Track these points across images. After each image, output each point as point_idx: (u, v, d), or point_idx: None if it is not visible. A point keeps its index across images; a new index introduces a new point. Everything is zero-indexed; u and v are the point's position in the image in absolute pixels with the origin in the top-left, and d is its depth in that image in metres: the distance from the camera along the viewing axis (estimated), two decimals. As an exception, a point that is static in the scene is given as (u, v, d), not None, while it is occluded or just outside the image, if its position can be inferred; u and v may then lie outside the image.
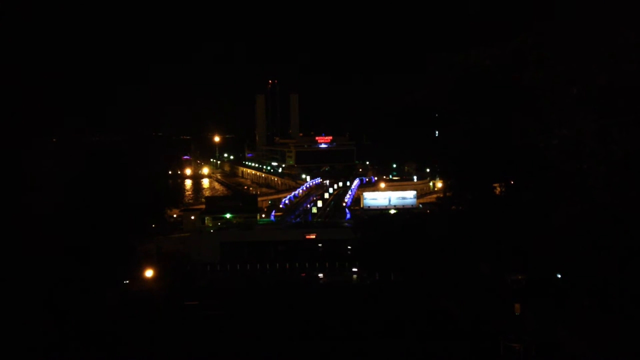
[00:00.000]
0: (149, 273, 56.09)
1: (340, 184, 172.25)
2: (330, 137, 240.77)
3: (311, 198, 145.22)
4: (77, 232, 40.24)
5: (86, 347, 33.44)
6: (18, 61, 39.67)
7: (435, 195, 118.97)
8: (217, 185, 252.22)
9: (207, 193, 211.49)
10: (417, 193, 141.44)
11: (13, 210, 35.45)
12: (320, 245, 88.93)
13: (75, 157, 47.03)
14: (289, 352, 34.85)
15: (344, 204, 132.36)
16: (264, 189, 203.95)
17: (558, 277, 38.13)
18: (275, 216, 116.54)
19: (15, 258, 34.56)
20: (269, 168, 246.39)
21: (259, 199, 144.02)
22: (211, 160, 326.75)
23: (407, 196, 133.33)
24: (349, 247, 79.42)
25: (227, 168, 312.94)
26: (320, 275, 73.68)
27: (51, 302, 36.11)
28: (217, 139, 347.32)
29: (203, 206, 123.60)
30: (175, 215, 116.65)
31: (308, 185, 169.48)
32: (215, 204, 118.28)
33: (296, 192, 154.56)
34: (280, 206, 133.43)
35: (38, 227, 36.69)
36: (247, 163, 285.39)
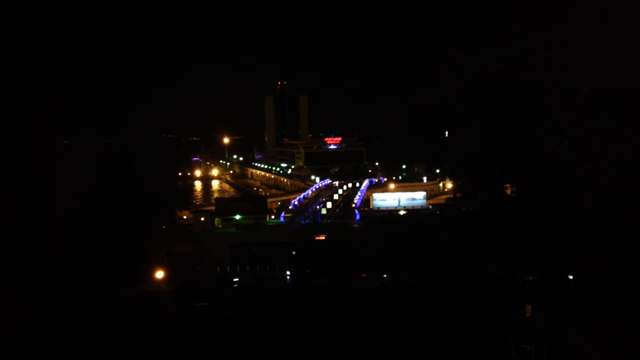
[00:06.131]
0: (159, 274, 56.36)
1: (350, 185, 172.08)
2: (340, 138, 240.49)
3: (320, 199, 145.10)
4: (89, 234, 40.56)
5: (97, 346, 33.67)
6: (33, 65, 40.07)
7: (445, 196, 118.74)
8: (226, 186, 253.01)
9: (216, 194, 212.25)
10: (427, 194, 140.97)
11: (25, 212, 35.78)
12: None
13: (87, 160, 47.43)
14: (294, 352, 34.87)
15: (354, 205, 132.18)
16: (273, 190, 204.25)
17: (570, 278, 37.85)
18: (284, 217, 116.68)
19: (27, 258, 34.88)
20: (278, 169, 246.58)
21: (269, 200, 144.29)
22: (220, 161, 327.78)
23: (416, 197, 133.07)
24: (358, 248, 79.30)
25: (236, 169, 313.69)
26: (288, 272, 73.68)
27: (62, 302, 36.41)
28: (226, 140, 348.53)
29: (213, 207, 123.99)
30: (185, 217, 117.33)
31: (317, 187, 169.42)
32: (224, 205, 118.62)
33: (305, 193, 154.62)
34: (290, 207, 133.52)
35: (49, 228, 37.02)
36: (256, 164, 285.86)
